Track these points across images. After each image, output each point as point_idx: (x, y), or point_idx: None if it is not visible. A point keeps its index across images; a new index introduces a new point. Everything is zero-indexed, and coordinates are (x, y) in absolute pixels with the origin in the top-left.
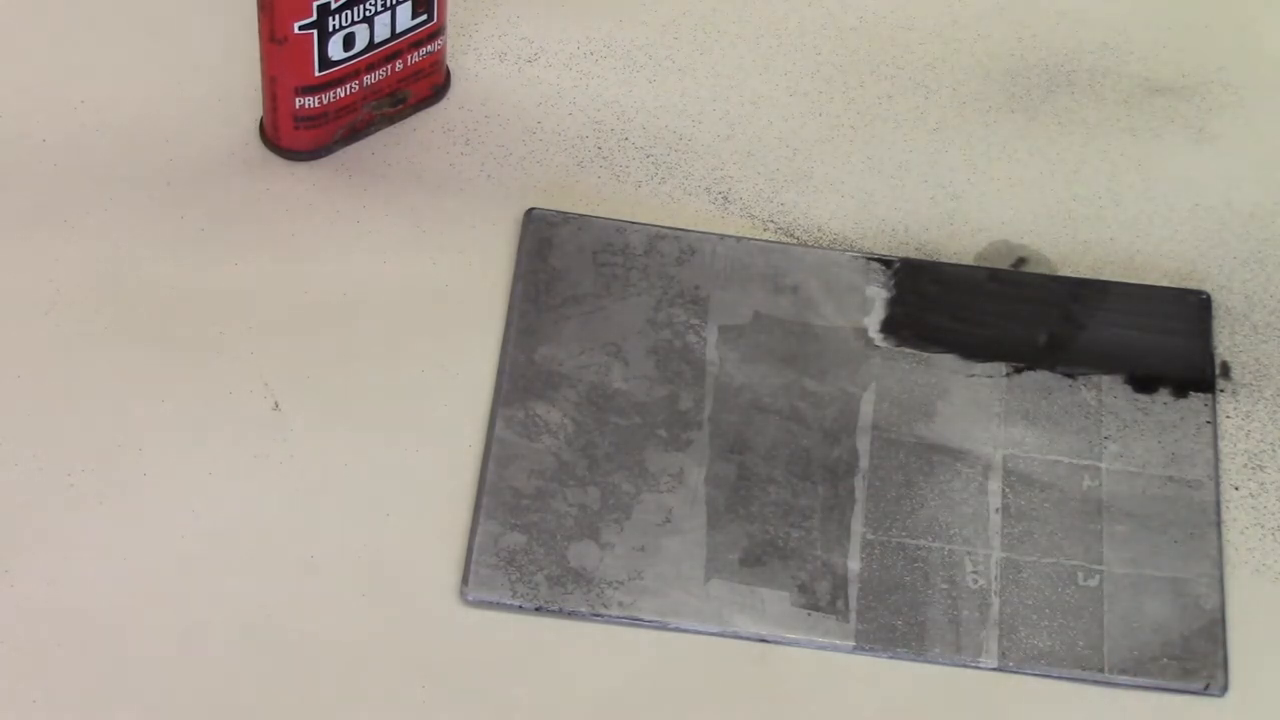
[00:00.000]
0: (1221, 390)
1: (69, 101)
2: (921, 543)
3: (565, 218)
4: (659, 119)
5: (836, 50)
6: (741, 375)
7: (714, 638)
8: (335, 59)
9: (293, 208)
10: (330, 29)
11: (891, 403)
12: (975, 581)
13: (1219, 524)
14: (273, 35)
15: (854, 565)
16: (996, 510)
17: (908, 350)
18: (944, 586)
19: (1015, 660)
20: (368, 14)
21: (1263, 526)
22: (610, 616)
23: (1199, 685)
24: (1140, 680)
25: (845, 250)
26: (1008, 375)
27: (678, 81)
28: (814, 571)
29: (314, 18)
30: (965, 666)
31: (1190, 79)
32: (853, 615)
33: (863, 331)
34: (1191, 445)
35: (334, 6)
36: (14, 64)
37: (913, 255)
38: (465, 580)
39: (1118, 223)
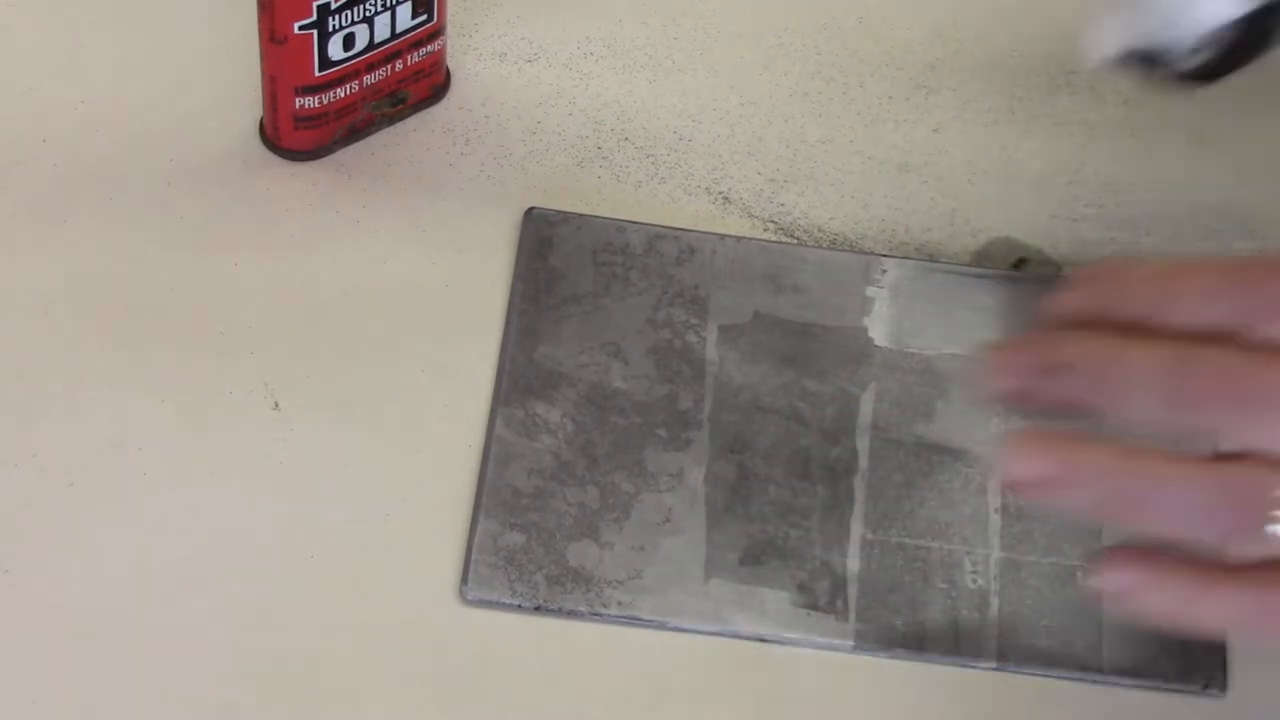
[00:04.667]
0: None
1: (69, 101)
2: (921, 543)
3: (565, 217)
4: (659, 119)
5: (836, 50)
6: (741, 375)
7: (713, 637)
8: (335, 59)
9: (293, 208)
10: (330, 29)
11: (891, 403)
12: (975, 581)
13: None
14: (273, 35)
15: (853, 565)
16: (996, 510)
17: (907, 350)
18: (943, 586)
19: (1014, 660)
20: (368, 14)
21: None
22: (609, 616)
23: (1199, 685)
24: (1140, 680)
25: (845, 250)
26: None
27: (678, 81)
28: (813, 571)
29: (314, 18)
30: (964, 666)
31: None
32: (852, 615)
33: (862, 331)
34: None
35: (334, 6)
36: (14, 64)
37: (913, 255)
38: (465, 579)
39: (1118, 223)
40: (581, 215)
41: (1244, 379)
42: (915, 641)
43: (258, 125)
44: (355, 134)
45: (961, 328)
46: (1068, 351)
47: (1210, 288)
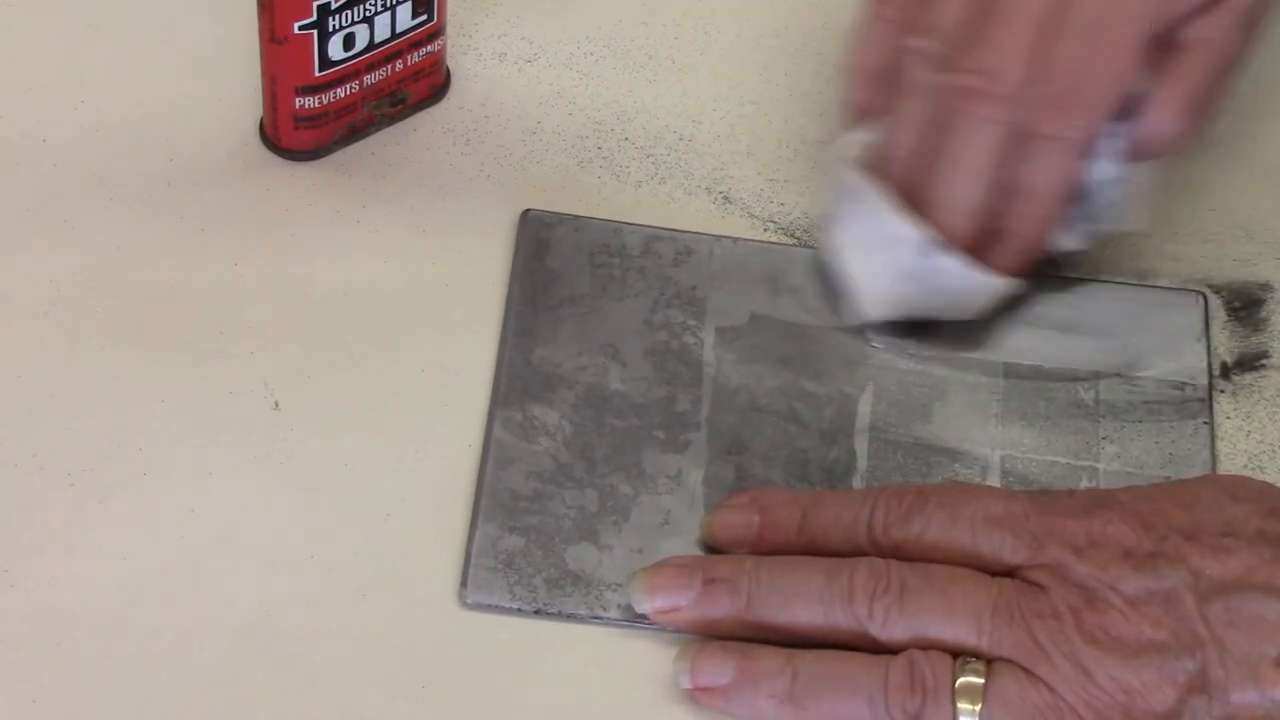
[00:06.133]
0: (1220, 391)
1: (69, 101)
2: None
3: (561, 219)
4: (659, 119)
5: (836, 50)
6: (739, 376)
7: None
8: (335, 59)
9: (293, 208)
10: (330, 29)
11: (889, 404)
12: None
13: None
14: (273, 35)
15: None
16: None
17: (905, 351)
18: None
19: None
20: (368, 14)
21: None
22: (609, 619)
23: None
24: None
25: None
26: (1005, 376)
27: (678, 81)
28: None
29: (314, 18)
30: None
31: None
32: None
33: (860, 332)
34: (1189, 446)
35: (334, 6)
36: (14, 64)
37: None
38: (464, 583)
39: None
40: (578, 216)
41: (886, 575)
42: None
43: (258, 125)
44: (355, 134)
45: (960, 328)
46: (721, 569)
47: (840, 504)
